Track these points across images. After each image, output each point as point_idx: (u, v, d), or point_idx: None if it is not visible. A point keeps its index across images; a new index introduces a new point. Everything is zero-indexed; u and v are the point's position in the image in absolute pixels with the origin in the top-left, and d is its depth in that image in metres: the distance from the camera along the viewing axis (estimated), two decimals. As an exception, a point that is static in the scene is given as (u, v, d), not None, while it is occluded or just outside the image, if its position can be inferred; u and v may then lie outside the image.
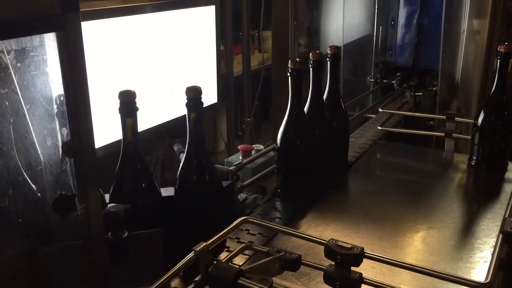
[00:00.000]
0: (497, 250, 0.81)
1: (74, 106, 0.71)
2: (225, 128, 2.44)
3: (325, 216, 1.13)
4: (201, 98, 0.89)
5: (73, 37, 0.69)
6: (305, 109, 1.21)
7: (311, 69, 1.18)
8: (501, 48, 1.24)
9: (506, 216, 0.93)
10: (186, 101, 0.89)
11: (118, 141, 0.92)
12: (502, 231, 0.85)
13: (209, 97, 1.91)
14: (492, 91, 1.28)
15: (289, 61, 1.08)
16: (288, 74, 1.09)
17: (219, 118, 2.43)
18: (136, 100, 0.87)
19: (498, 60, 1.25)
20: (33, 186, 0.75)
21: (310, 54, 1.17)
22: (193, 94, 0.89)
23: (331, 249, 0.77)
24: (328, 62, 1.23)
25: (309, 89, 1.21)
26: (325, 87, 1.26)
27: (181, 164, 0.95)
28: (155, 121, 1.63)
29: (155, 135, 1.75)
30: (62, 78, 0.71)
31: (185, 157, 0.94)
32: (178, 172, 0.95)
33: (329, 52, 1.22)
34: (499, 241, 0.84)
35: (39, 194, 0.76)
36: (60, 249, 0.77)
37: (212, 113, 2.24)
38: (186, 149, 0.94)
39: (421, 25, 2.11)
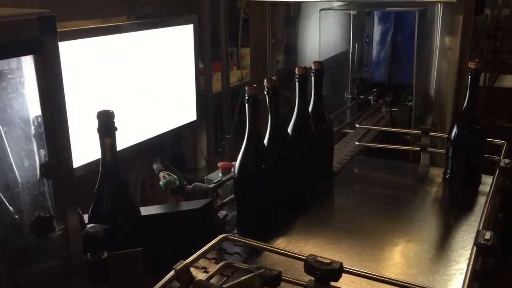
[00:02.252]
0: (471, 262, 0.83)
1: (52, 128, 0.72)
2: (205, 145, 2.44)
3: (305, 232, 1.14)
4: (258, 95, 1.04)
5: (51, 60, 0.69)
6: (291, 123, 1.24)
7: (296, 83, 1.21)
8: (471, 65, 1.27)
9: (480, 228, 0.95)
10: (246, 97, 1.04)
11: (97, 160, 0.92)
12: (475, 243, 0.87)
13: (189, 115, 1.92)
14: (464, 106, 1.31)
15: (265, 80, 1.10)
16: (265, 92, 1.10)
17: (199, 135, 2.44)
18: (115, 120, 0.88)
19: (469, 76, 1.28)
20: (11, 208, 0.74)
21: (296, 69, 1.20)
22: (253, 92, 1.03)
23: (310, 265, 0.78)
24: (313, 77, 1.25)
25: (295, 103, 1.24)
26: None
27: (240, 154, 1.08)
28: (134, 140, 1.63)
29: (134, 153, 1.75)
30: (39, 99, 0.71)
31: (245, 146, 1.07)
32: (238, 162, 1.08)
33: (313, 67, 1.25)
34: (473, 253, 0.86)
35: (16, 216, 0.75)
36: (39, 271, 0.76)
37: (191, 130, 2.25)
38: (245, 138, 1.07)
39: (395, 42, 2.16)
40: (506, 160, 1.26)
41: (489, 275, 0.90)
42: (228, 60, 2.39)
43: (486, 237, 0.87)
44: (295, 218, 1.19)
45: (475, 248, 0.87)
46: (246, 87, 1.04)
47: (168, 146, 2.21)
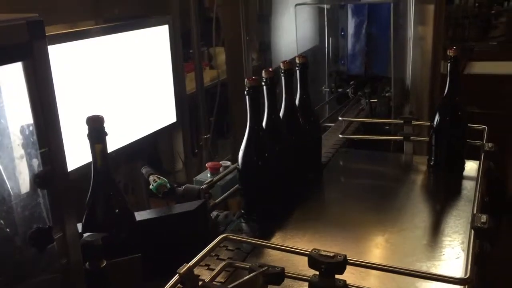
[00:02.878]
0: (471, 246, 0.84)
1: (45, 135, 0.69)
2: (182, 147, 2.41)
3: (299, 227, 1.13)
4: (259, 86, 1.07)
5: (41, 65, 0.67)
6: (280, 116, 1.24)
7: (282, 78, 1.22)
8: (450, 52, 1.29)
9: (475, 212, 0.97)
10: (246, 89, 1.05)
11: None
12: (473, 227, 0.89)
13: (168, 117, 1.89)
14: (445, 94, 1.33)
15: (263, 71, 1.10)
16: (263, 83, 1.10)
17: (175, 137, 2.40)
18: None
19: (449, 64, 1.30)
20: (2, 221, 0.71)
21: (281, 64, 1.21)
22: (254, 83, 1.05)
23: (315, 259, 0.78)
24: (298, 71, 1.26)
25: (282, 97, 1.25)
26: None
27: (243, 144, 1.11)
28: (115, 145, 1.59)
29: (115, 159, 1.71)
30: (30, 106, 0.69)
31: (247, 137, 1.10)
32: (241, 153, 1.11)
33: (297, 61, 1.26)
34: (471, 237, 0.87)
35: (8, 230, 0.72)
36: (38, 283, 0.73)
37: (168, 132, 2.22)
38: (247, 129, 1.10)
39: (369, 34, 2.18)
40: (490, 144, 1.29)
41: (486, 257, 0.92)
42: (200, 60, 2.37)
43: (482, 220, 0.88)
44: (288, 213, 1.19)
45: (472, 232, 0.88)
46: (246, 79, 1.05)
47: (144, 149, 2.17)
